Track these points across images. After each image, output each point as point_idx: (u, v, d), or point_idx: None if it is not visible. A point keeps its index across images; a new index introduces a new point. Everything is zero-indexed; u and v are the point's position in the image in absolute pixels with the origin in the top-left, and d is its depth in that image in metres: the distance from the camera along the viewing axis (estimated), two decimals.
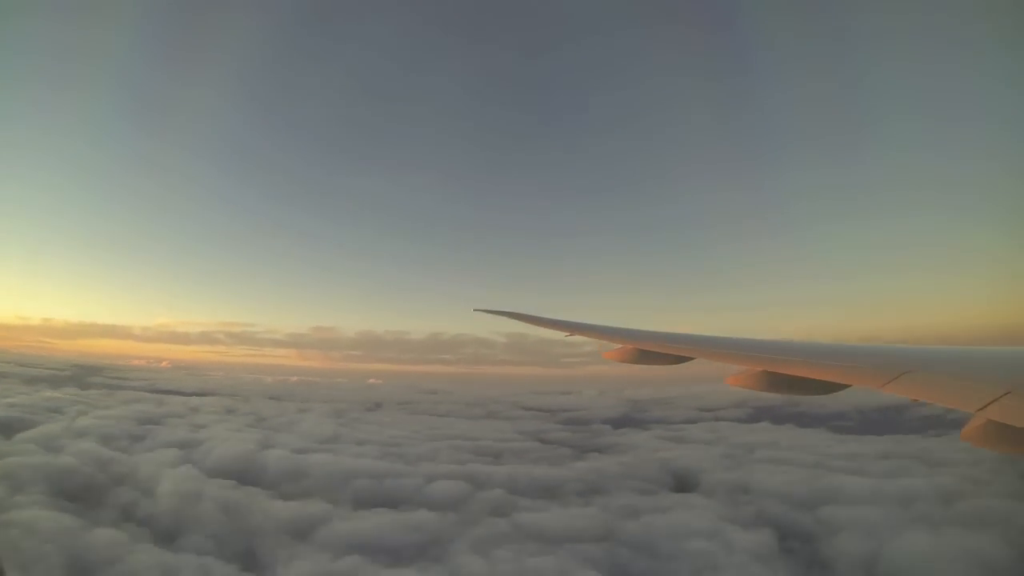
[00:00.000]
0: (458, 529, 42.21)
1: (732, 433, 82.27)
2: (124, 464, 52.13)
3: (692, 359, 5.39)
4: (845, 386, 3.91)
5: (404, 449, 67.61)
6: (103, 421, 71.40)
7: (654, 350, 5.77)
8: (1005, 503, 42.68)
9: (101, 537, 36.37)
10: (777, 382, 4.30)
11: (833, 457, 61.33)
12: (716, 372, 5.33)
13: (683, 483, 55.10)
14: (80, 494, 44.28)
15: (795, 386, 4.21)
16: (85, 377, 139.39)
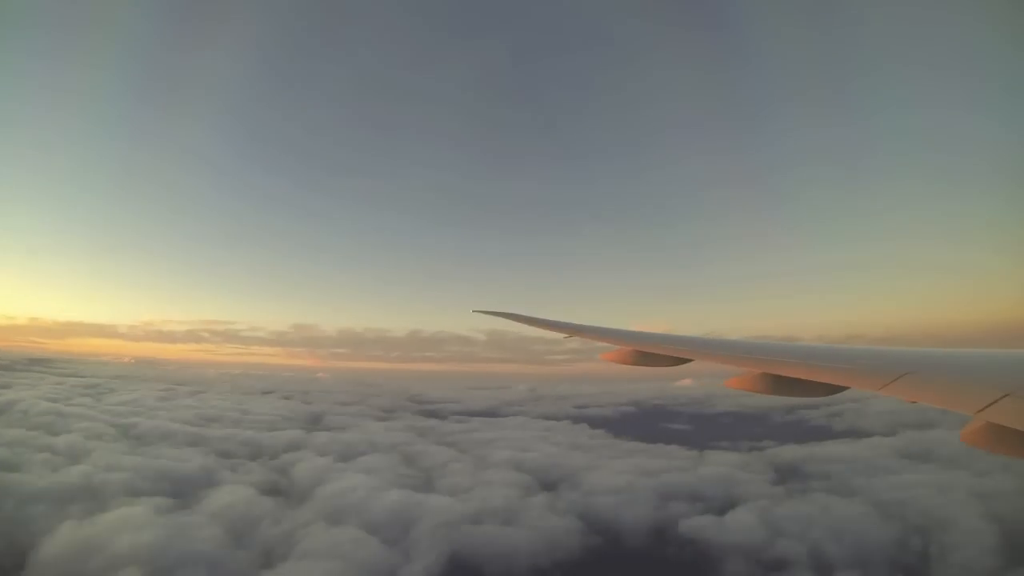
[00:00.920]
0: None
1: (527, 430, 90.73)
2: None
3: (691, 361, 5.36)
4: (844, 388, 3.89)
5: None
6: None
7: (652, 351, 5.73)
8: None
9: None
10: (776, 384, 4.28)
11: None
12: (716, 374, 5.37)
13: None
14: None
15: (794, 388, 4.18)
16: (26, 367, 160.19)
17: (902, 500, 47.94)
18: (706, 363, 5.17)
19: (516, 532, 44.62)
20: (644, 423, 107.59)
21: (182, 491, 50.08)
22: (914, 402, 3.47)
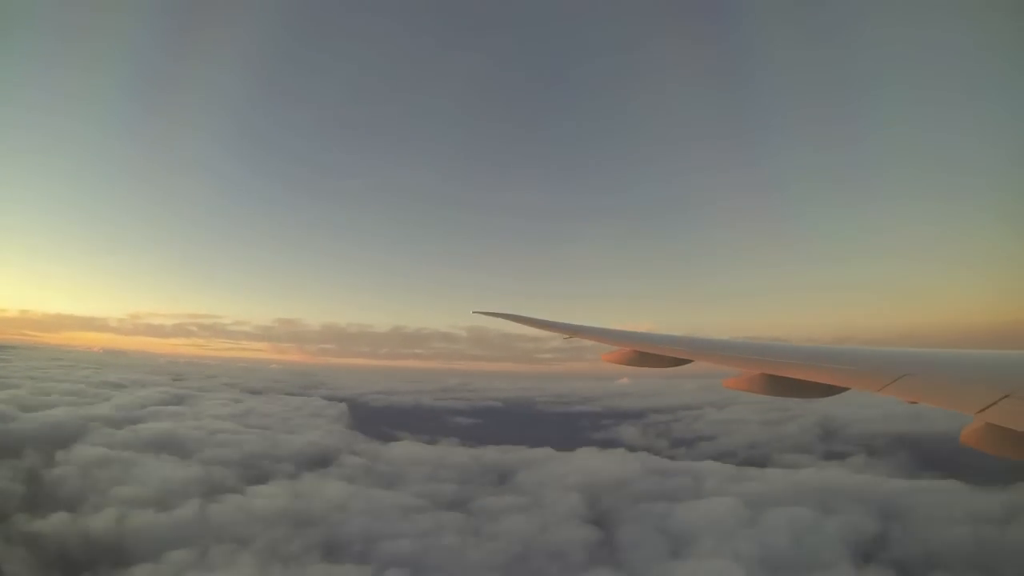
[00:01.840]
0: None
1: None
2: None
3: (690, 361, 5.36)
4: (844, 389, 3.88)
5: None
6: None
7: (652, 352, 5.74)
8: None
9: None
10: (775, 385, 4.27)
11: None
12: (715, 374, 5.36)
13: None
14: None
15: (793, 389, 4.17)
16: None
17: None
18: (705, 364, 5.18)
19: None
20: (429, 417, 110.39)
21: None
22: (914, 403, 3.45)
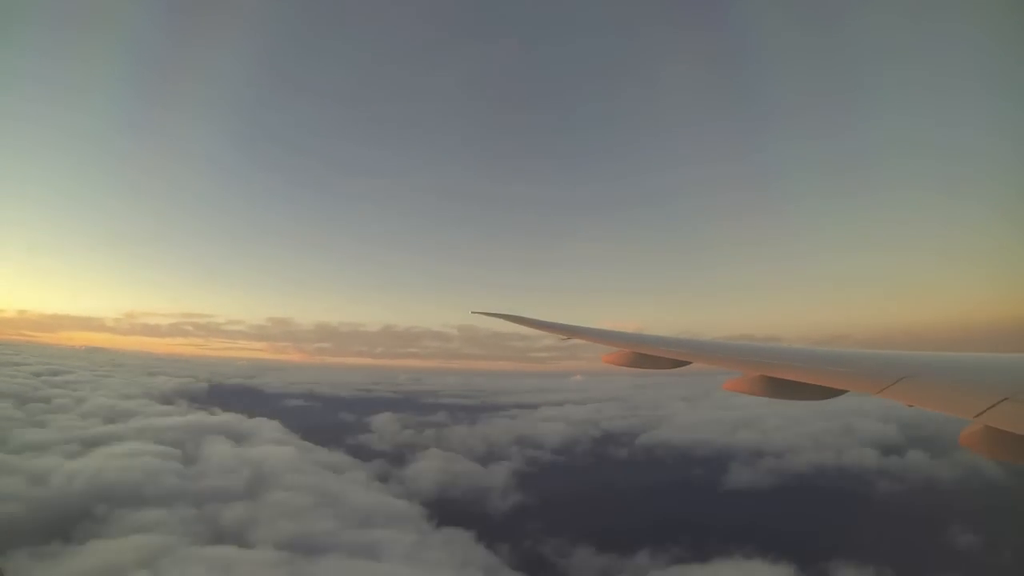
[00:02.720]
0: None
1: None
2: None
3: (689, 363, 5.36)
4: (842, 391, 3.88)
5: None
6: None
7: (651, 354, 5.74)
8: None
9: None
10: (774, 387, 4.27)
11: None
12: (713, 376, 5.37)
13: None
14: None
15: (792, 391, 4.17)
16: None
17: None
18: (705, 365, 5.18)
19: None
20: (274, 401, 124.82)
21: None
22: (912, 406, 3.45)
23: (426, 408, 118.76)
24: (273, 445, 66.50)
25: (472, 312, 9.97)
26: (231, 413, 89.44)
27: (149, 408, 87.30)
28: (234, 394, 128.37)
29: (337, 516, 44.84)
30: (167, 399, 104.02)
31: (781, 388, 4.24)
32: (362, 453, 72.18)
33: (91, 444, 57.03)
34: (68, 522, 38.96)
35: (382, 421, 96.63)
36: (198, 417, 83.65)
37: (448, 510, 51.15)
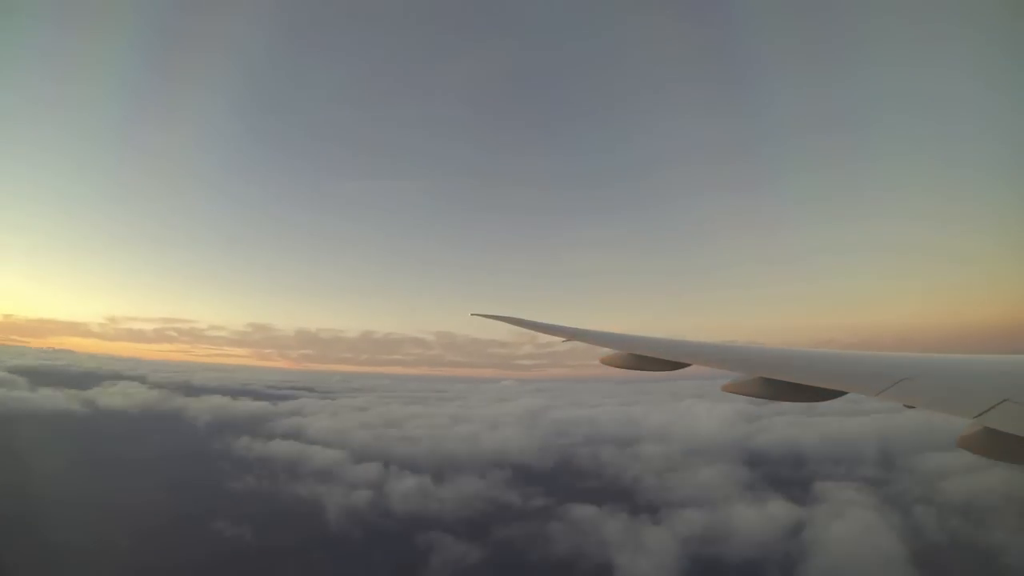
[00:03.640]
0: None
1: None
2: None
3: (689, 365, 5.35)
4: (841, 393, 3.88)
5: None
6: None
7: (651, 356, 5.73)
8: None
9: None
10: (773, 389, 4.26)
11: None
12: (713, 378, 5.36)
13: None
14: None
15: (791, 393, 4.16)
16: None
17: None
18: (704, 367, 5.17)
19: None
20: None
21: None
22: (911, 407, 3.45)
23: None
24: None
25: (472, 314, 9.96)
26: None
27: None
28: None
29: None
30: None
31: (780, 390, 4.24)
32: None
33: None
34: None
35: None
36: None
37: None
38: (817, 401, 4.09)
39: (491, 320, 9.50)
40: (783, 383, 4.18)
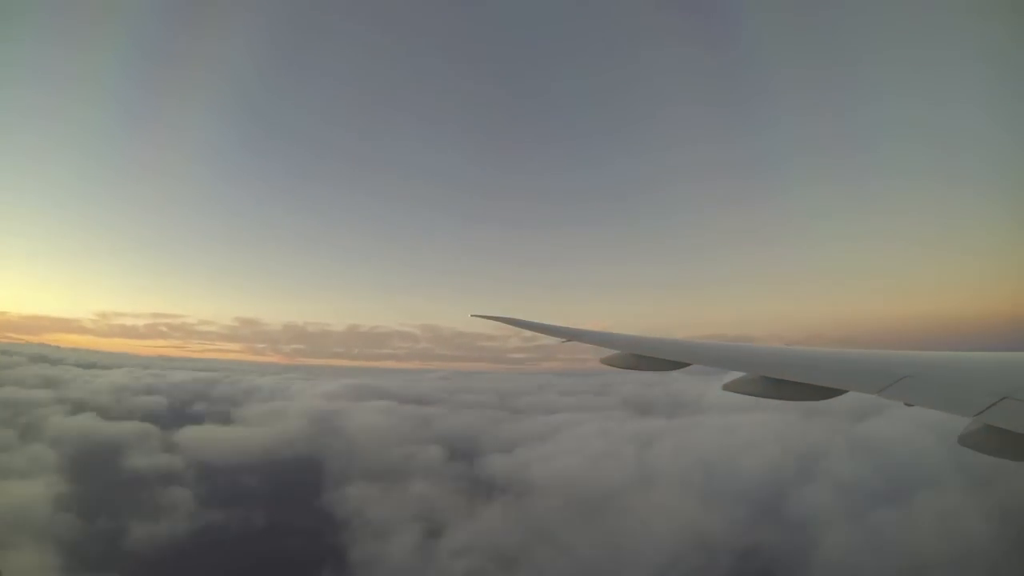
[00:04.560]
0: None
1: None
2: None
3: (689, 364, 5.36)
4: (842, 391, 3.89)
5: None
6: None
7: (650, 355, 5.74)
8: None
9: None
10: (774, 387, 4.26)
11: None
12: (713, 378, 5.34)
13: None
14: None
15: (792, 391, 4.17)
16: None
17: None
18: (704, 366, 5.18)
19: None
20: None
21: None
22: (912, 405, 3.46)
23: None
24: None
25: (472, 315, 9.96)
26: None
27: None
28: None
29: None
30: None
31: (781, 388, 4.24)
32: None
33: None
34: None
35: None
36: None
37: None
38: (818, 399, 4.10)
39: (485, 318, 9.55)
40: (784, 382, 4.19)
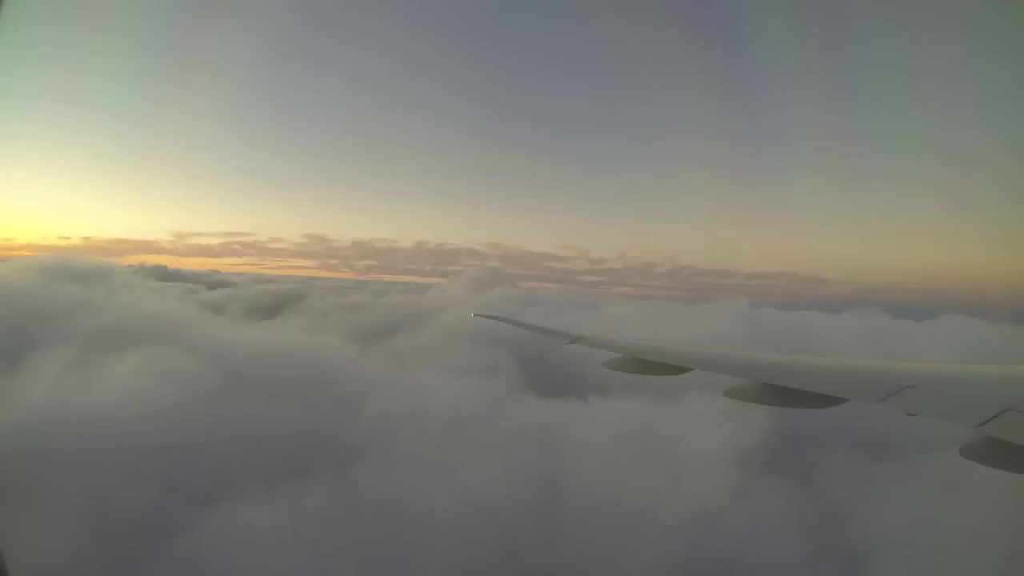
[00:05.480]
0: None
1: None
2: None
3: (691, 370, 5.37)
4: (843, 400, 3.90)
5: None
6: None
7: (653, 361, 5.76)
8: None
9: None
10: (775, 395, 4.28)
11: None
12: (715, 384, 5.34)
13: None
14: None
15: (793, 399, 4.18)
16: None
17: None
18: (706, 373, 5.19)
19: None
20: None
21: None
22: (914, 415, 3.47)
23: None
24: None
25: (473, 315, 10.02)
26: None
27: None
28: None
29: None
30: None
31: (782, 396, 4.26)
32: None
33: None
34: None
35: None
36: None
37: None
38: (819, 408, 4.11)
39: (486, 318, 9.56)
40: (786, 389, 4.20)
